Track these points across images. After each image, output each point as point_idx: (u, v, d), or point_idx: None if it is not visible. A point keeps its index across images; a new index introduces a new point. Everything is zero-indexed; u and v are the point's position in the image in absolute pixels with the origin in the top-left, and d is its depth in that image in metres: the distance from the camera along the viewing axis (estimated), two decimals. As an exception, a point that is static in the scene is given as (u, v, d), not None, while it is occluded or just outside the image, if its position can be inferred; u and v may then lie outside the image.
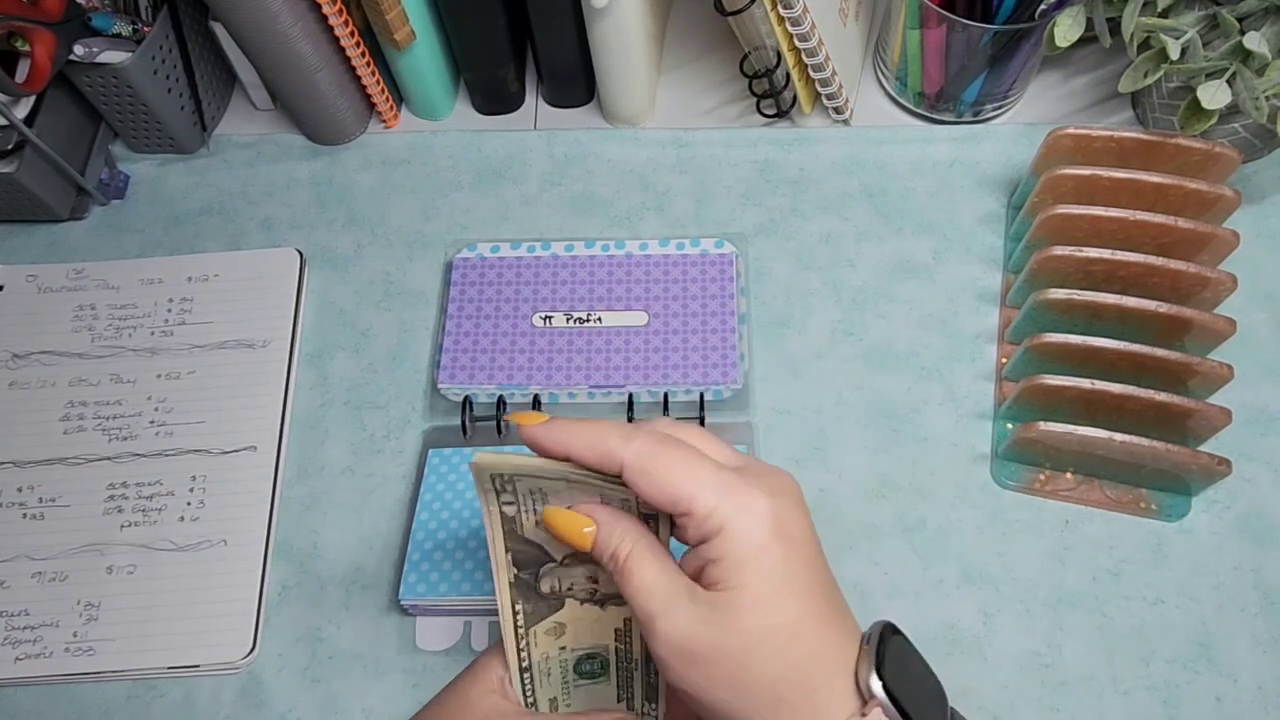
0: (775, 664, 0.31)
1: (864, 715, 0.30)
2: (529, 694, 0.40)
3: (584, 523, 0.34)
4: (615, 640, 0.40)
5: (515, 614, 0.39)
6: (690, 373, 0.55)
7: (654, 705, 0.41)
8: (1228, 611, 0.49)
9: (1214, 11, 0.53)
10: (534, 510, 0.36)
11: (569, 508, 0.35)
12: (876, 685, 0.30)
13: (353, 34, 0.59)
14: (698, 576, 0.32)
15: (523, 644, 0.39)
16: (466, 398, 0.55)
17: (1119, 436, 0.48)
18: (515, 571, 0.38)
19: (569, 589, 0.39)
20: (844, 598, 0.34)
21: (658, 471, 0.31)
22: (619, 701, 0.41)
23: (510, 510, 0.37)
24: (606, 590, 0.38)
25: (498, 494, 0.36)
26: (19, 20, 0.53)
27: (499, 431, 0.55)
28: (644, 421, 0.35)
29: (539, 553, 0.38)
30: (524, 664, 0.39)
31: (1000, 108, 0.64)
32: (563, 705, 0.41)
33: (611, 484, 0.33)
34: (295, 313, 0.60)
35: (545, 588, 0.39)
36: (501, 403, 0.55)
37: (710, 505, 0.31)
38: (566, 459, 0.33)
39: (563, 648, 0.39)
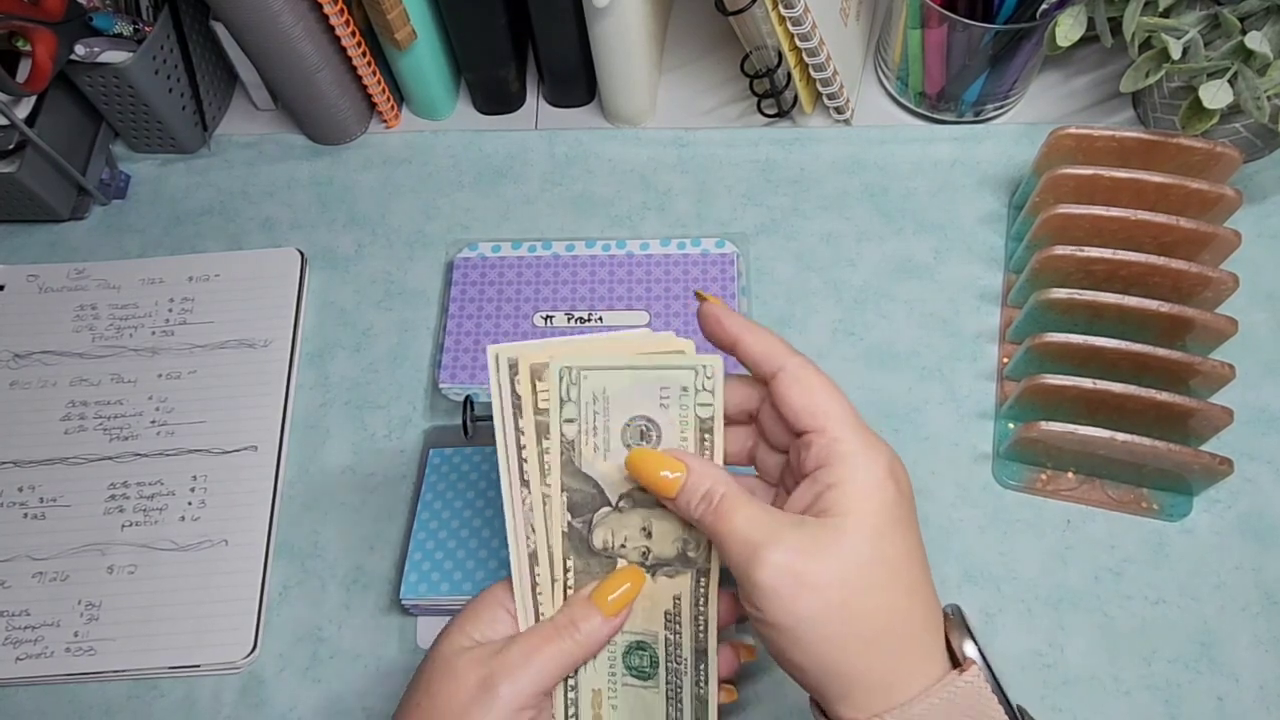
0: (883, 596, 0.32)
1: (962, 673, 0.32)
2: (570, 678, 0.37)
3: (674, 465, 0.35)
4: (665, 627, 0.38)
5: (566, 571, 0.36)
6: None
7: None
8: (1229, 611, 0.49)
9: (1215, 11, 0.53)
10: (594, 429, 0.35)
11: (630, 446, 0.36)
12: (973, 650, 0.33)
13: (354, 33, 0.59)
14: (805, 511, 0.33)
15: None
16: (467, 397, 0.55)
17: (1120, 436, 0.48)
18: (569, 519, 0.36)
19: (621, 545, 0.37)
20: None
21: (811, 385, 0.34)
22: None
23: (571, 431, 0.35)
24: (659, 553, 0.37)
25: (561, 404, 0.35)
26: (20, 20, 0.53)
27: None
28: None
29: (595, 494, 0.36)
30: None
31: (1001, 107, 0.64)
32: (608, 704, 0.38)
33: (673, 367, 0.34)
34: (296, 312, 0.60)
35: (598, 541, 0.37)
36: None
37: (844, 431, 0.33)
38: (733, 347, 0.35)
39: None
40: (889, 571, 0.32)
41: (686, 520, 0.36)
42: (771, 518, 0.33)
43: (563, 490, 0.36)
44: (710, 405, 0.36)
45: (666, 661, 0.39)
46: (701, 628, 0.38)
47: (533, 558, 0.37)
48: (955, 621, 0.34)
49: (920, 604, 0.33)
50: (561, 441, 0.36)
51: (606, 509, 0.37)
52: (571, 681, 0.38)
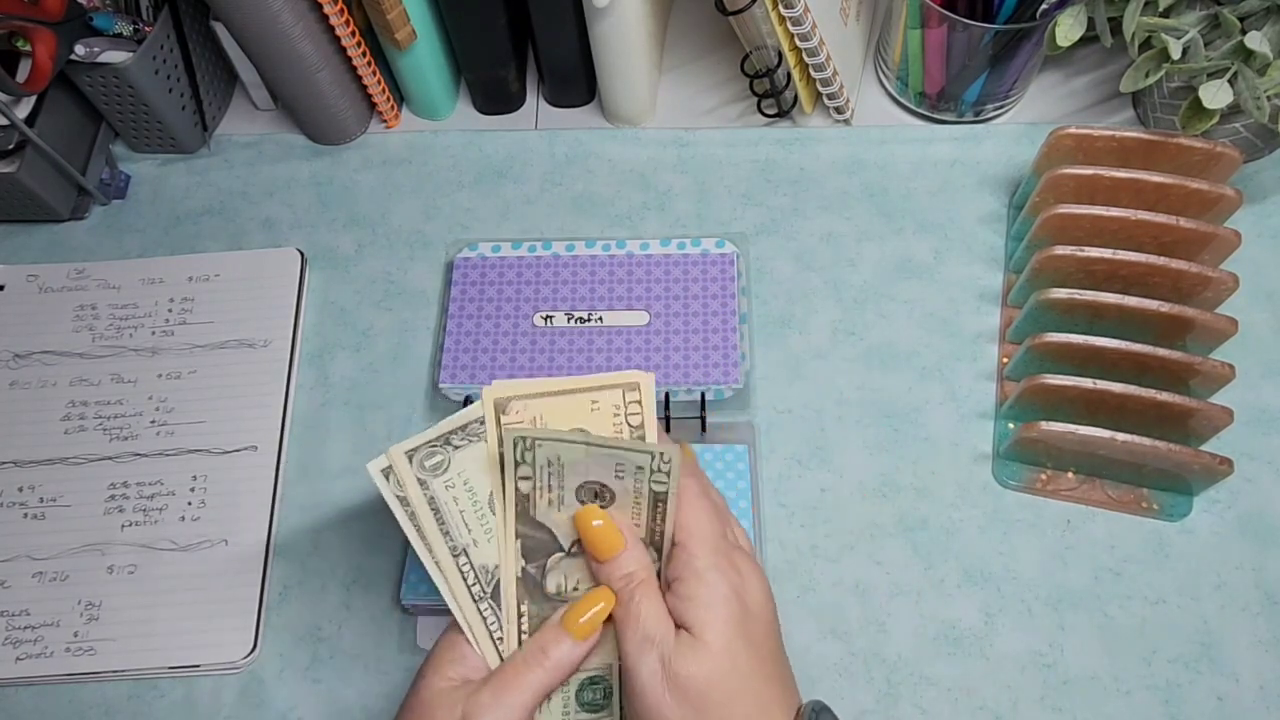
0: (737, 703, 0.35)
1: None
2: None
3: (618, 537, 0.38)
4: (621, 660, 0.38)
5: (520, 616, 0.38)
6: (691, 372, 0.55)
7: None
8: (1229, 611, 0.49)
9: (1215, 11, 0.53)
10: (549, 486, 0.37)
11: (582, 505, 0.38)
12: None
13: (354, 34, 0.59)
14: (673, 618, 0.37)
15: None
16: (467, 397, 0.55)
17: (1120, 436, 0.48)
18: (522, 564, 0.37)
19: (574, 589, 0.39)
20: (793, 673, 0.39)
21: (685, 500, 0.38)
22: None
23: (526, 486, 0.36)
24: None
25: (516, 465, 0.36)
26: (20, 20, 0.53)
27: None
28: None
29: (548, 540, 0.38)
30: None
31: (1001, 107, 0.64)
32: None
33: (628, 449, 0.36)
34: (296, 312, 0.60)
35: (551, 586, 0.38)
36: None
37: (701, 549, 0.37)
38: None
39: None
40: (740, 680, 0.36)
41: (602, 582, 0.38)
42: (668, 618, 0.37)
43: (516, 537, 0.38)
44: (665, 484, 0.37)
45: (620, 690, 0.40)
46: None
47: (481, 599, 0.39)
48: (805, 714, 0.37)
49: (769, 705, 0.36)
50: (516, 494, 0.37)
51: (560, 554, 0.38)
52: None
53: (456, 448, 0.38)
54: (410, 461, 0.37)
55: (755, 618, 0.37)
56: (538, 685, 0.37)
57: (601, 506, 0.38)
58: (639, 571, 0.38)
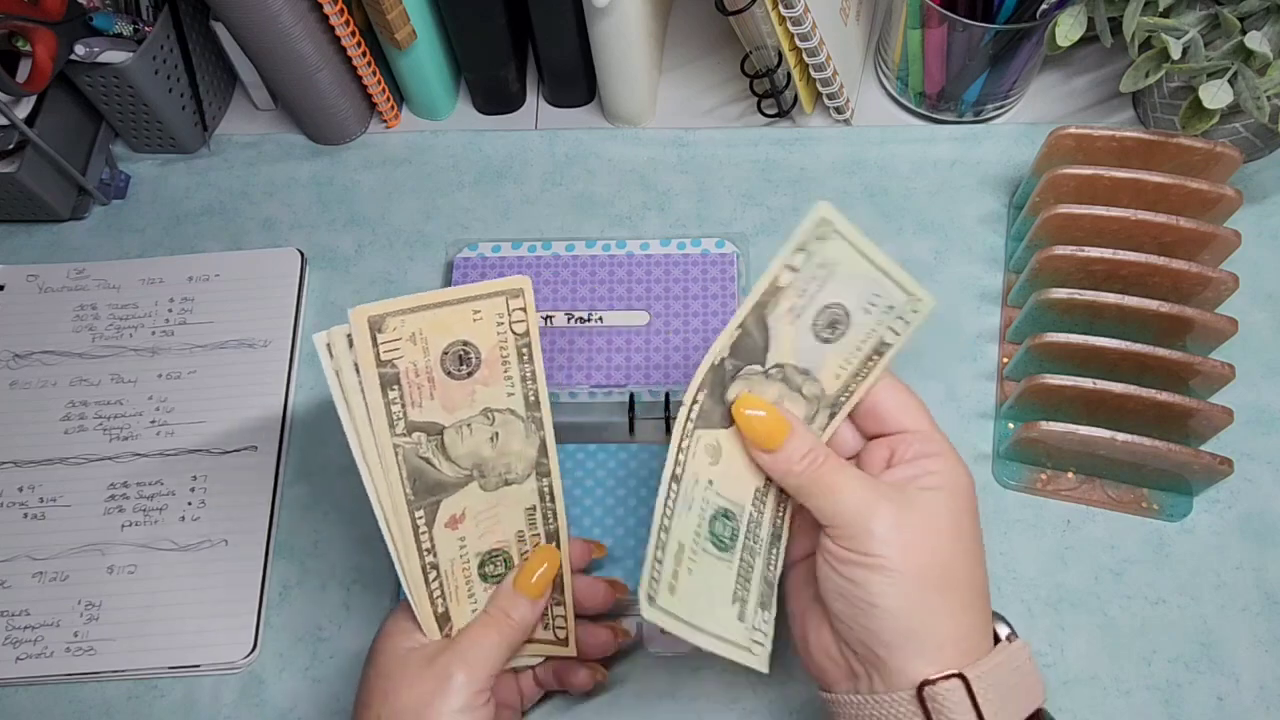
0: (973, 566, 0.36)
1: (1012, 642, 0.36)
2: (668, 514, 0.37)
3: (778, 417, 0.38)
4: (752, 503, 0.39)
5: (694, 404, 0.38)
6: (692, 372, 0.54)
7: (767, 615, 0.39)
8: (1229, 611, 0.49)
9: (1215, 11, 0.53)
10: (804, 290, 0.37)
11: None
12: (1007, 630, 0.37)
13: (354, 33, 0.59)
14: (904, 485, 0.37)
15: (684, 444, 0.37)
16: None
17: (1120, 436, 0.48)
18: (724, 356, 0.37)
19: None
20: None
21: (905, 394, 0.39)
22: (734, 602, 0.39)
23: (786, 279, 0.37)
24: None
25: (795, 251, 0.37)
26: (20, 20, 0.53)
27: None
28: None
29: (759, 349, 0.38)
30: (677, 471, 0.37)
31: (1001, 107, 0.64)
32: (688, 559, 0.38)
33: (897, 282, 0.37)
34: (296, 313, 0.60)
35: (732, 393, 0.38)
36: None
37: (937, 433, 0.39)
38: None
39: (710, 483, 0.38)
40: (975, 546, 0.37)
41: (776, 478, 0.38)
42: (876, 480, 0.37)
43: (739, 326, 0.38)
44: (897, 336, 0.37)
45: (744, 538, 0.39)
46: (781, 513, 0.39)
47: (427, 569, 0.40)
48: (996, 613, 0.38)
49: (986, 584, 0.37)
50: (771, 283, 0.38)
51: (758, 369, 0.38)
52: (667, 524, 0.37)
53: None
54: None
55: (977, 512, 0.38)
56: (507, 642, 0.41)
57: (826, 340, 0.38)
58: (817, 447, 0.38)
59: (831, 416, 0.39)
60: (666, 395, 0.54)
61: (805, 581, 0.39)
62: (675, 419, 0.38)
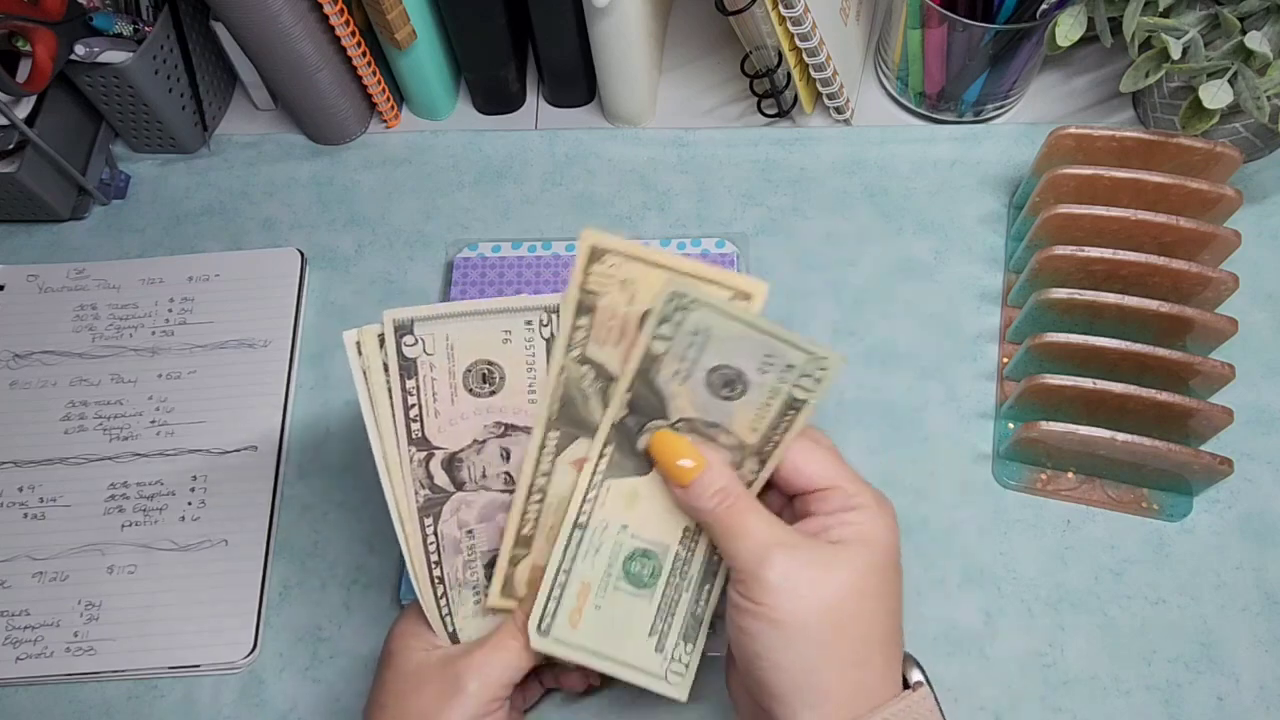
0: (871, 621, 0.35)
1: (914, 691, 0.35)
2: (569, 558, 0.38)
3: (695, 455, 0.37)
4: (680, 542, 0.39)
5: (601, 457, 0.38)
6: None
7: (690, 647, 0.39)
8: (1229, 611, 0.49)
9: (1215, 11, 0.53)
10: (683, 357, 0.36)
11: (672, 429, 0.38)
12: (919, 676, 0.36)
13: (354, 33, 0.59)
14: (815, 535, 0.36)
15: (591, 494, 0.38)
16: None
17: (1120, 436, 0.48)
18: (625, 414, 0.38)
19: None
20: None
21: (822, 455, 0.38)
22: (650, 634, 0.39)
23: (660, 347, 0.36)
24: None
25: (660, 322, 0.36)
26: (20, 20, 0.53)
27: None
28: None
29: (658, 407, 0.38)
30: (581, 519, 0.38)
31: (1001, 107, 0.64)
32: (594, 599, 0.39)
33: (789, 343, 0.35)
34: (296, 313, 0.60)
35: (643, 444, 0.38)
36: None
37: (858, 487, 0.37)
38: None
39: (624, 526, 0.38)
40: (880, 601, 0.36)
41: (691, 515, 0.38)
42: (783, 526, 0.36)
43: (628, 389, 0.38)
44: (809, 394, 0.36)
45: (669, 575, 0.39)
46: (718, 552, 0.39)
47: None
48: (909, 659, 0.37)
49: (893, 637, 0.36)
50: (646, 352, 0.37)
51: (663, 424, 0.38)
52: (567, 567, 0.38)
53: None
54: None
55: (898, 552, 0.37)
56: (523, 653, 0.40)
57: (727, 398, 0.37)
58: (730, 486, 0.37)
59: (762, 462, 0.38)
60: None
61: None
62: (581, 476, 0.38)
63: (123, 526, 0.53)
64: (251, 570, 0.52)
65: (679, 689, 0.40)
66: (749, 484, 0.38)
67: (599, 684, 0.47)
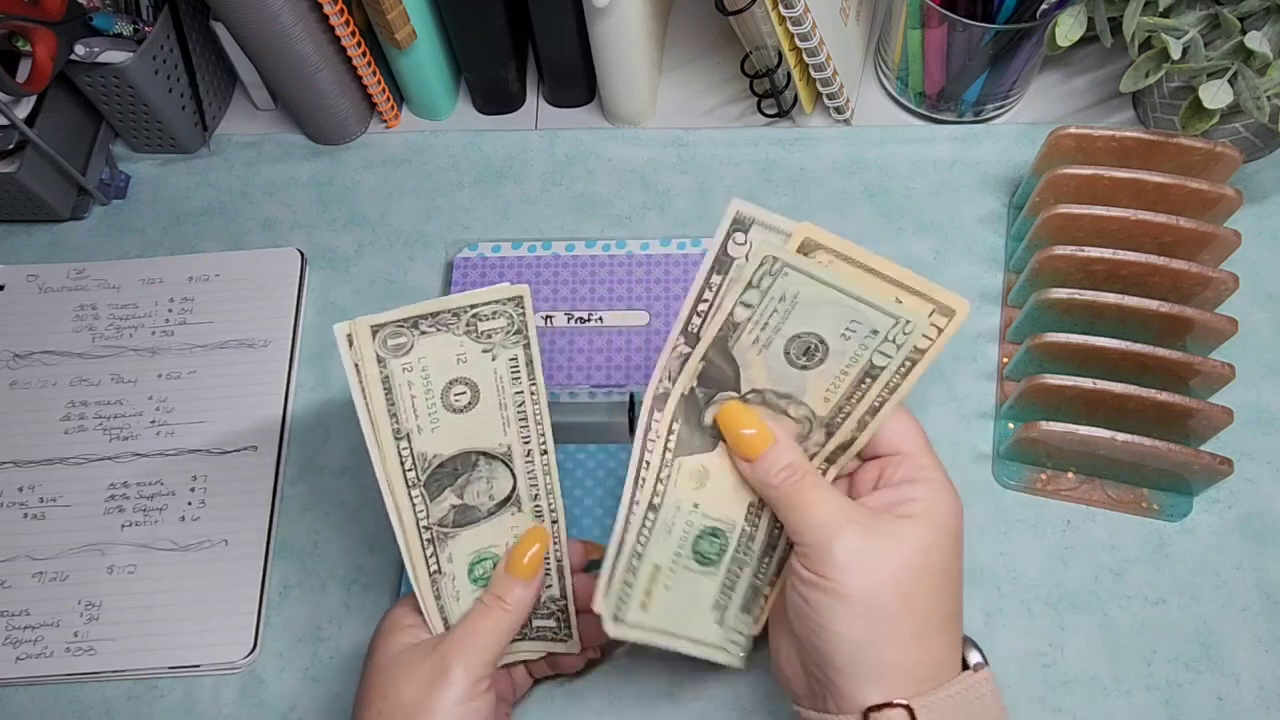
0: (935, 598, 0.35)
1: (976, 673, 0.36)
2: (643, 541, 0.37)
3: (764, 430, 0.37)
4: (745, 519, 0.39)
5: (670, 433, 0.38)
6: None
7: (748, 616, 0.39)
8: (1229, 611, 0.49)
9: (1215, 11, 0.53)
10: (765, 324, 0.36)
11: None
12: (979, 659, 0.37)
13: (354, 34, 0.59)
14: (883, 509, 0.37)
15: (663, 474, 0.37)
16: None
17: (1120, 436, 0.48)
18: (693, 385, 0.37)
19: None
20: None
21: (902, 416, 0.39)
22: (714, 608, 0.39)
23: (743, 314, 0.36)
24: None
25: (746, 287, 0.35)
26: (20, 20, 0.53)
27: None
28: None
29: (730, 378, 0.37)
30: (655, 500, 0.37)
31: (1001, 107, 0.64)
32: (661, 583, 0.38)
33: (875, 307, 0.35)
34: (296, 313, 0.60)
35: (709, 419, 0.38)
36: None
37: (929, 460, 0.38)
38: None
39: (695, 505, 0.38)
40: (944, 579, 0.36)
41: (757, 488, 0.38)
42: (850, 503, 0.37)
43: (702, 359, 0.37)
44: (889, 358, 0.36)
45: (735, 550, 0.39)
46: (779, 525, 0.39)
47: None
48: (969, 641, 0.37)
49: (955, 615, 0.37)
50: (728, 318, 0.36)
51: (734, 396, 0.38)
52: (640, 550, 0.38)
53: (423, 333, 0.38)
54: (374, 336, 0.37)
55: (961, 533, 0.37)
56: (504, 627, 0.41)
57: (805, 367, 0.37)
58: (797, 462, 0.37)
59: (829, 434, 0.38)
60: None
61: (782, 595, 0.39)
62: (646, 450, 0.38)
63: (123, 526, 0.53)
64: (251, 570, 0.52)
65: (734, 657, 0.40)
66: (813, 456, 0.38)
67: (599, 657, 0.47)
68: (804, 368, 0.37)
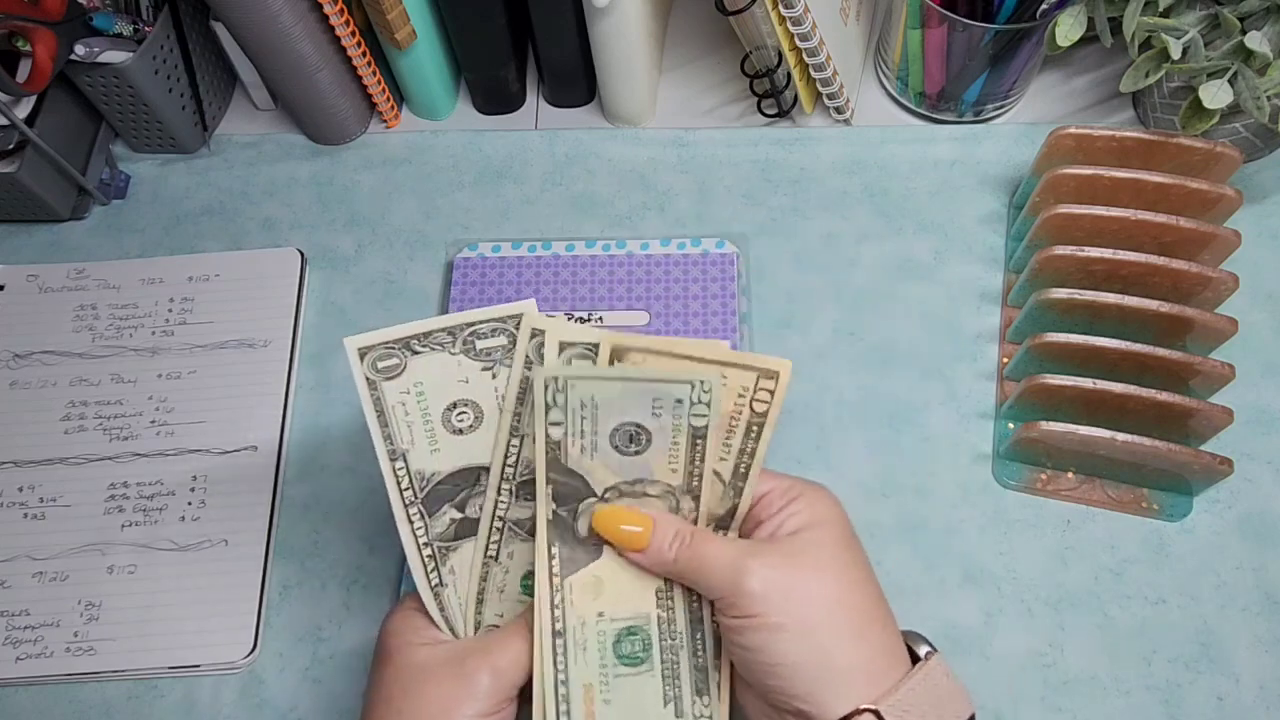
0: (863, 592, 0.36)
1: (928, 659, 0.36)
2: (560, 668, 0.37)
3: (639, 519, 0.38)
4: (657, 605, 0.38)
5: (551, 559, 0.37)
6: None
7: (706, 699, 0.39)
8: (1229, 611, 0.49)
9: (1215, 11, 0.53)
10: (581, 432, 0.36)
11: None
12: (926, 648, 0.37)
13: (354, 33, 0.59)
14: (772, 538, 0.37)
15: (557, 599, 0.37)
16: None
17: (1120, 436, 0.48)
18: (553, 507, 0.37)
19: None
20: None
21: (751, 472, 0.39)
22: (665, 704, 0.39)
23: (558, 433, 0.36)
24: None
25: (547, 410, 0.36)
26: (20, 20, 0.53)
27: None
28: None
29: (581, 486, 0.37)
30: (557, 626, 0.37)
31: (1001, 107, 0.64)
32: (600, 696, 0.38)
33: (665, 380, 0.36)
34: (296, 313, 0.60)
35: (583, 529, 0.38)
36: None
37: (787, 482, 0.38)
38: None
39: (600, 614, 0.38)
40: (858, 570, 0.36)
41: (659, 571, 0.38)
42: (743, 541, 0.37)
43: (548, 483, 0.37)
44: (705, 416, 0.37)
45: (661, 643, 0.39)
46: (695, 597, 0.39)
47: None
48: (915, 635, 0.37)
49: (881, 604, 0.37)
50: (547, 441, 0.37)
51: (592, 499, 0.38)
52: (562, 677, 0.38)
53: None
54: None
55: (855, 536, 0.37)
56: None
57: (637, 452, 0.37)
58: (682, 528, 0.38)
59: (695, 497, 0.38)
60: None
61: (730, 663, 0.39)
62: (534, 587, 0.38)
63: (123, 526, 0.53)
64: (251, 570, 0.52)
65: None
66: (693, 520, 0.39)
67: None
68: (638, 453, 0.38)
